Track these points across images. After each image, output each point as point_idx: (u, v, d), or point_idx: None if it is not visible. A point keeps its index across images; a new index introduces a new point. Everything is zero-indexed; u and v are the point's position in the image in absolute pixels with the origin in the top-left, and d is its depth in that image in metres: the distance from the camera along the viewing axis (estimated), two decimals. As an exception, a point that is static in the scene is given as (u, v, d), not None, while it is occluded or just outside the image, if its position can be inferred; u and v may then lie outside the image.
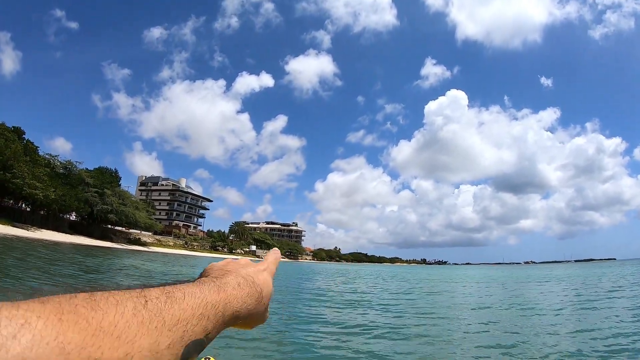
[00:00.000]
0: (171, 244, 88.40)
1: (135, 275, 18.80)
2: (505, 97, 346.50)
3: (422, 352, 6.55)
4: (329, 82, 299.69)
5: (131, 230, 75.07)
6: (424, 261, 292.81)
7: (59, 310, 0.30)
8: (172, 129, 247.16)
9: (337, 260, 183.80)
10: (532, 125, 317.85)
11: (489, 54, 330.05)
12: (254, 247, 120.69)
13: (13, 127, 49.55)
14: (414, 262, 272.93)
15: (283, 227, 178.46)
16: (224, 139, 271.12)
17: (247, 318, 0.50)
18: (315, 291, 17.70)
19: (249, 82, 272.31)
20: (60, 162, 59.59)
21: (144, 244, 73.36)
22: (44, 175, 49.15)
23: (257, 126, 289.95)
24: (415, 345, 7.07)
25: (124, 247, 59.92)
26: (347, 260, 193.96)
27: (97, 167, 68.75)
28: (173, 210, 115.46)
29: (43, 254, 22.98)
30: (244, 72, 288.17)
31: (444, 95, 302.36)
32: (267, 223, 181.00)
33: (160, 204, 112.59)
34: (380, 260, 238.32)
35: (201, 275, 0.53)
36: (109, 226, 68.03)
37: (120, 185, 71.93)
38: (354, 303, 13.39)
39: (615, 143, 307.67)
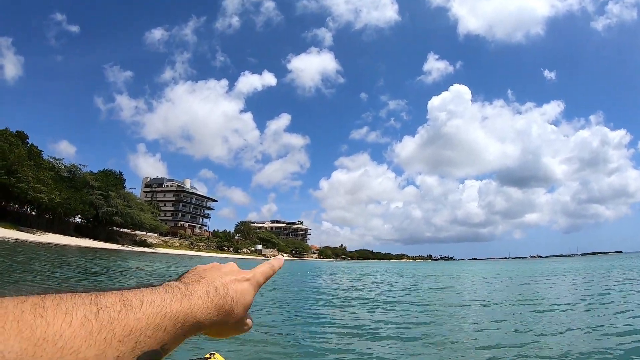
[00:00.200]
0: (177, 244, 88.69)
1: (140, 277, 18.71)
2: (509, 91, 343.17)
3: (432, 353, 6.36)
4: (332, 79, 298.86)
5: (137, 232, 75.34)
6: (429, 257, 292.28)
7: (4, 316, 0.29)
8: (176, 130, 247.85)
9: (343, 258, 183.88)
10: (536, 118, 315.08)
11: (492, 48, 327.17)
12: (259, 246, 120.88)
13: (16, 131, 49.81)
14: (419, 258, 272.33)
15: (288, 226, 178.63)
16: (228, 139, 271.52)
17: (214, 328, 0.49)
18: (321, 290, 17.51)
19: (251, 82, 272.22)
20: (65, 166, 59.90)
21: (149, 245, 73.60)
22: (49, 179, 49.26)
23: (261, 125, 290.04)
24: (425, 345, 6.86)
25: (130, 249, 60.16)
26: (352, 258, 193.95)
27: (101, 169, 69.00)
28: (178, 211, 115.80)
29: (46, 257, 22.90)
30: (246, 72, 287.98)
31: (447, 90, 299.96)
32: (273, 222, 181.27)
33: (165, 205, 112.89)
34: (386, 257, 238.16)
35: (181, 276, 0.53)
36: (115, 228, 68.33)
37: (124, 187, 72.22)
38: (360, 301, 13.19)
39: (619, 135, 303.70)
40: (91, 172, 64.88)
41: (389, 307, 11.70)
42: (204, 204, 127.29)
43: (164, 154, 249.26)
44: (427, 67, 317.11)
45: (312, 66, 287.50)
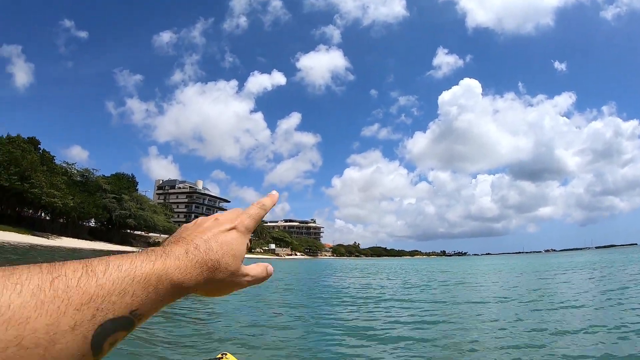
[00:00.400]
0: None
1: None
2: (520, 84, 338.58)
3: (451, 355, 5.85)
4: (341, 76, 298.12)
5: (150, 234, 75.69)
6: (443, 253, 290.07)
7: None
8: (187, 131, 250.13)
9: (356, 256, 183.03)
10: (547, 110, 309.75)
11: (501, 40, 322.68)
12: (273, 246, 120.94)
13: (28, 138, 50.33)
14: (433, 254, 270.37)
15: (301, 225, 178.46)
16: (239, 139, 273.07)
17: (206, 288, 0.46)
18: (334, 289, 17.20)
19: (261, 81, 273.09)
20: (77, 170, 60.40)
21: (163, 247, 73.56)
22: (62, 184, 49.74)
23: (272, 125, 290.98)
24: (444, 348, 6.30)
25: (144, 251, 60.11)
26: (366, 255, 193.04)
27: (114, 173, 69.55)
28: (191, 212, 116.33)
29: (60, 260, 22.70)
30: (256, 72, 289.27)
31: (457, 84, 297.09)
32: (286, 221, 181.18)
33: (178, 206, 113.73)
34: (399, 253, 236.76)
35: (165, 240, 0.51)
36: (128, 231, 68.92)
37: (137, 190, 72.81)
38: (374, 300, 12.81)
39: (632, 125, 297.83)
40: (104, 175, 65.48)
41: (404, 306, 11.33)
42: (217, 205, 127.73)
43: (176, 156, 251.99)
44: (436, 61, 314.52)
45: (322, 64, 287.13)
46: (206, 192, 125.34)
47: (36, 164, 45.64)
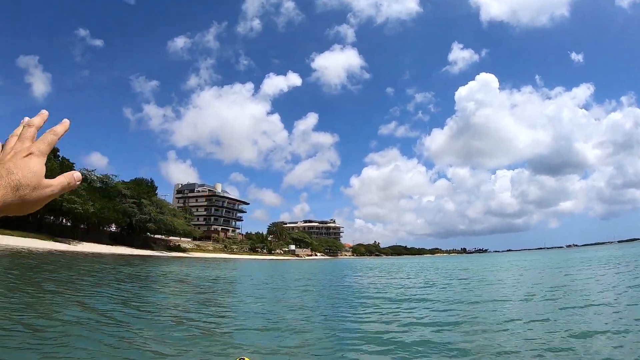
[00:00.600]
0: (211, 248, 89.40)
1: (174, 282, 17.91)
2: (537, 77, 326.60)
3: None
4: (357, 75, 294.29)
5: (171, 238, 76.29)
6: (464, 250, 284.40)
7: None
8: (205, 135, 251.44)
9: (376, 255, 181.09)
10: (566, 103, 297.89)
11: (516, 33, 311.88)
12: (293, 247, 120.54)
13: (48, 145, 50.80)
14: (454, 252, 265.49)
15: (321, 225, 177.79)
16: (257, 141, 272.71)
17: (15, 205, 0.54)
18: (354, 289, 16.87)
19: (276, 83, 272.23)
20: (97, 177, 61.05)
21: (183, 250, 74.30)
22: (82, 190, 50.19)
23: (289, 126, 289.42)
24: (466, 353, 6.11)
25: (165, 255, 60.61)
26: (386, 254, 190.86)
27: (133, 178, 70.15)
28: (211, 215, 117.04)
29: (82, 265, 23.26)
30: (271, 73, 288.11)
31: (473, 79, 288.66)
32: (305, 222, 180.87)
33: (197, 210, 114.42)
34: (420, 252, 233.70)
35: None
36: (149, 235, 69.35)
37: (157, 194, 73.18)
38: (395, 301, 12.60)
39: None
40: (123, 181, 66.05)
41: (426, 306, 11.25)
42: (236, 207, 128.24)
43: (194, 160, 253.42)
44: (452, 57, 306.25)
45: (337, 63, 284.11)
46: (225, 194, 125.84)
47: (56, 171, 46.04)
